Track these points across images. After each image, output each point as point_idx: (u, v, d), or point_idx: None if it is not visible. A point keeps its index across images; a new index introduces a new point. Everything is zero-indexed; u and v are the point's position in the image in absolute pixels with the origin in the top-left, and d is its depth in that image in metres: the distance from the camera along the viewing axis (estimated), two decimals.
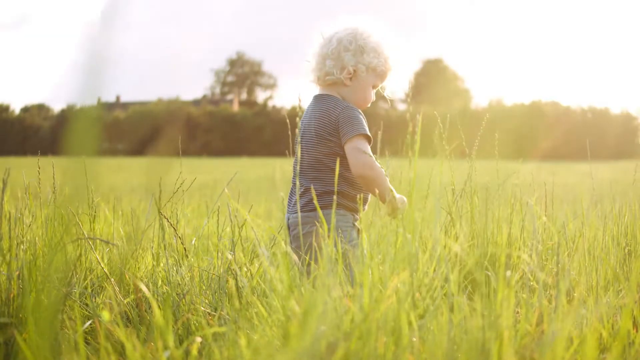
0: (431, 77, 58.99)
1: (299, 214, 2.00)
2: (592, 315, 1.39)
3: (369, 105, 2.12)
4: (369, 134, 1.99)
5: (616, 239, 2.29)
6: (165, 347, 1.21)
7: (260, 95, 66.55)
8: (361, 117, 2.02)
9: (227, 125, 46.53)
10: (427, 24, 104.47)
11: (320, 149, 2.02)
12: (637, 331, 1.58)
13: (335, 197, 1.72)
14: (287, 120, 2.25)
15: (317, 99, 2.10)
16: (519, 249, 2.16)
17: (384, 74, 2.10)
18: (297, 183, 1.77)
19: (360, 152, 1.95)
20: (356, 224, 2.05)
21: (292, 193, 2.11)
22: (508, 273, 1.31)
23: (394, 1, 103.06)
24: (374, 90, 2.14)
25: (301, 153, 2.05)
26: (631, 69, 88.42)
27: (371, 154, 1.98)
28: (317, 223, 1.95)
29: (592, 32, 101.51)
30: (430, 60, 62.30)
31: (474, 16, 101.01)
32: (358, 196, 1.95)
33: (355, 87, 2.07)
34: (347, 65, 2.04)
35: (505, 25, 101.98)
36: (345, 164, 1.99)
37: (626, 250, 2.18)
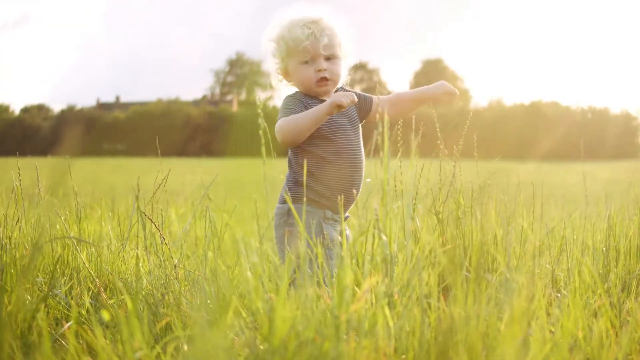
0: (431, 77, 59.00)
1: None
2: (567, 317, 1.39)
3: (314, 80, 2.08)
4: (286, 115, 2.06)
5: (604, 241, 2.29)
6: (137, 348, 1.21)
7: (260, 96, 66.28)
8: (289, 102, 2.10)
9: (226, 125, 46.48)
10: (428, 24, 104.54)
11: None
12: (615, 333, 1.58)
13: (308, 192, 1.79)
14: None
15: None
16: (504, 250, 2.16)
17: (294, 48, 2.07)
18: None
19: (276, 132, 2.05)
20: (336, 223, 2.06)
21: None
22: (483, 273, 1.31)
23: (394, 1, 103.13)
24: (318, 61, 2.07)
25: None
26: (631, 69, 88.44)
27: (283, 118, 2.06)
28: (280, 217, 2.07)
29: (592, 31, 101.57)
30: (430, 60, 62.36)
31: (473, 16, 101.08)
32: (337, 193, 1.99)
33: (293, 78, 2.15)
34: (272, 72, 2.19)
35: (505, 25, 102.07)
36: (311, 159, 2.05)
37: (611, 252, 2.18)
